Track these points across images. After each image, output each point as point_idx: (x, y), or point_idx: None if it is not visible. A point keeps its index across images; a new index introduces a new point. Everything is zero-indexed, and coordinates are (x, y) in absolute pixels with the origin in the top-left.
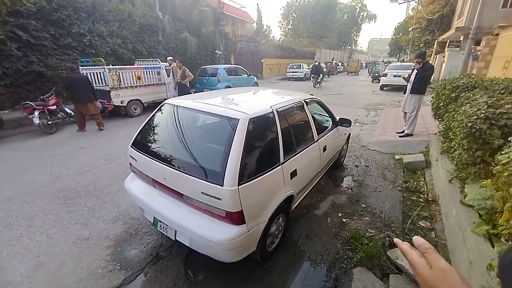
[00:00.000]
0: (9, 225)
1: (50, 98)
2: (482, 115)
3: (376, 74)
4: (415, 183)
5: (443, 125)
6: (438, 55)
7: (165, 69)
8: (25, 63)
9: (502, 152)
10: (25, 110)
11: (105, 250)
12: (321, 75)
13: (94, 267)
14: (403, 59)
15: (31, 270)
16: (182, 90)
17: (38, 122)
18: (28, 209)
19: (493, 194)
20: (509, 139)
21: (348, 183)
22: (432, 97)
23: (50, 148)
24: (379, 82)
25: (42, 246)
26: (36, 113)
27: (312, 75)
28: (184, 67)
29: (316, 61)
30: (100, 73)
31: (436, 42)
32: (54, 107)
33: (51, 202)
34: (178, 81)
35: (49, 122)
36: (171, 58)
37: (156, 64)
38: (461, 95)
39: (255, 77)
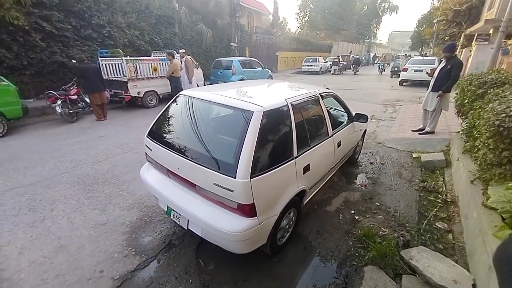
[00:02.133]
0: (33, 208)
1: (71, 88)
2: (511, 113)
3: (396, 69)
4: (433, 182)
5: (466, 123)
6: (464, 49)
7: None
8: (48, 54)
9: None
10: (48, 99)
11: (121, 236)
12: (360, 65)
13: (110, 251)
14: (425, 53)
15: (52, 251)
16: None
17: (60, 111)
18: (51, 193)
19: None
20: None
21: (362, 180)
22: (456, 94)
23: (71, 136)
24: (398, 77)
25: (63, 229)
26: (59, 102)
27: (353, 65)
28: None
29: (357, 55)
30: (118, 64)
31: (462, 35)
32: (75, 96)
33: (72, 187)
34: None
35: (71, 111)
36: (184, 50)
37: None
38: (488, 91)
39: (269, 70)
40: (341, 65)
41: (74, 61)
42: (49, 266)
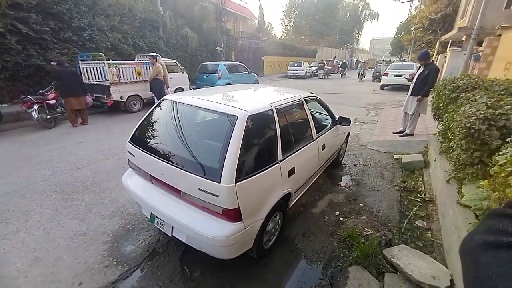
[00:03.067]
0: (6, 219)
1: (49, 93)
2: (481, 115)
3: (377, 74)
4: (413, 183)
5: (442, 125)
6: (440, 55)
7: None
8: (24, 57)
9: (500, 153)
10: (24, 104)
11: (102, 246)
12: (347, 69)
13: (90, 262)
14: (404, 59)
15: (27, 265)
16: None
17: (37, 116)
18: (25, 203)
19: (490, 195)
20: (507, 140)
21: (346, 182)
22: (433, 97)
23: (49, 143)
24: (380, 82)
25: (38, 240)
26: (35, 107)
27: (340, 69)
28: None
29: (344, 60)
30: (100, 68)
31: (438, 42)
32: (53, 101)
33: (49, 196)
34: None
35: (48, 117)
36: (155, 54)
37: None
38: (461, 95)
39: (255, 75)
40: (326, 69)
41: (53, 63)
42: (23, 281)
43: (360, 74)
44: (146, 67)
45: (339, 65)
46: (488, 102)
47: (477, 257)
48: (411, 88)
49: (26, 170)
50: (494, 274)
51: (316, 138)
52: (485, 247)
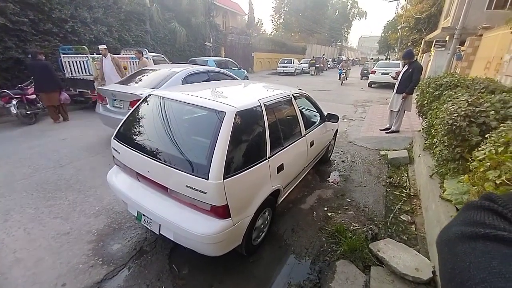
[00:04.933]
0: None
1: (29, 87)
2: (462, 112)
3: (365, 71)
4: (398, 178)
5: (426, 122)
6: (425, 54)
7: (153, 60)
8: (2, 49)
9: (479, 149)
10: (1, 99)
11: (87, 245)
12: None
13: (74, 262)
14: (390, 58)
15: (7, 266)
16: None
17: (15, 111)
18: (4, 202)
19: (470, 189)
20: (486, 136)
21: (335, 178)
22: (417, 95)
23: (29, 140)
24: (367, 79)
25: (19, 241)
26: (14, 102)
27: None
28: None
29: (339, 56)
30: (83, 61)
31: (423, 41)
32: (33, 96)
33: (29, 195)
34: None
35: (28, 112)
36: (105, 47)
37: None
38: (444, 93)
39: (245, 71)
40: (317, 66)
41: (29, 56)
42: (3, 282)
43: (342, 76)
44: (132, 62)
45: (328, 62)
46: (469, 100)
47: (454, 248)
48: (396, 86)
49: (4, 168)
50: (471, 265)
51: (305, 134)
52: (463, 239)
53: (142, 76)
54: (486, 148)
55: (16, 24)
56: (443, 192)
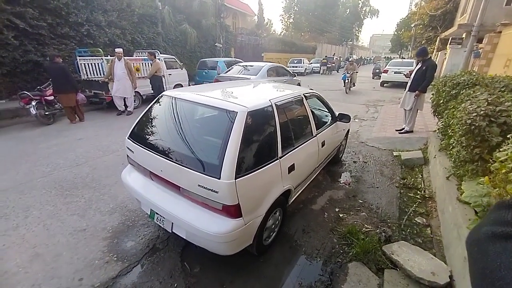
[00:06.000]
0: (6, 215)
1: (47, 89)
2: (481, 112)
3: (377, 71)
4: (412, 179)
5: (442, 122)
6: (440, 52)
7: (164, 62)
8: (22, 52)
9: (501, 150)
10: (22, 100)
11: (102, 242)
12: (359, 65)
13: (90, 258)
14: (403, 56)
15: (27, 260)
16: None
17: (35, 112)
18: (25, 199)
19: (490, 191)
20: (508, 136)
21: (346, 178)
22: (432, 94)
23: (47, 139)
24: (379, 79)
25: (38, 236)
26: (33, 103)
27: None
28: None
29: (350, 55)
30: (98, 63)
31: (438, 39)
32: (52, 97)
33: (48, 193)
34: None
35: (47, 113)
36: (121, 50)
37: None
38: (461, 92)
39: None
40: (329, 66)
41: (47, 59)
42: (24, 276)
43: (347, 82)
44: (145, 63)
45: (341, 62)
46: (489, 99)
47: (485, 248)
48: (409, 84)
49: (24, 167)
50: (502, 265)
51: (316, 134)
52: (493, 239)
53: (245, 68)
54: (508, 148)
55: (35, 28)
56: (461, 195)
